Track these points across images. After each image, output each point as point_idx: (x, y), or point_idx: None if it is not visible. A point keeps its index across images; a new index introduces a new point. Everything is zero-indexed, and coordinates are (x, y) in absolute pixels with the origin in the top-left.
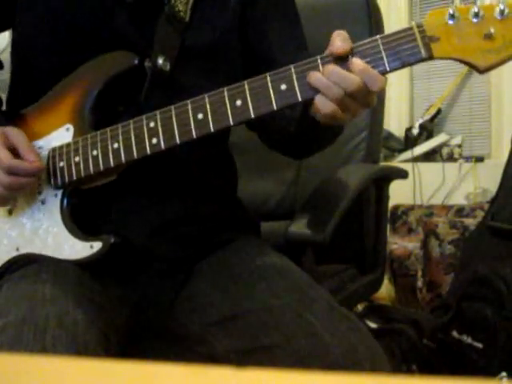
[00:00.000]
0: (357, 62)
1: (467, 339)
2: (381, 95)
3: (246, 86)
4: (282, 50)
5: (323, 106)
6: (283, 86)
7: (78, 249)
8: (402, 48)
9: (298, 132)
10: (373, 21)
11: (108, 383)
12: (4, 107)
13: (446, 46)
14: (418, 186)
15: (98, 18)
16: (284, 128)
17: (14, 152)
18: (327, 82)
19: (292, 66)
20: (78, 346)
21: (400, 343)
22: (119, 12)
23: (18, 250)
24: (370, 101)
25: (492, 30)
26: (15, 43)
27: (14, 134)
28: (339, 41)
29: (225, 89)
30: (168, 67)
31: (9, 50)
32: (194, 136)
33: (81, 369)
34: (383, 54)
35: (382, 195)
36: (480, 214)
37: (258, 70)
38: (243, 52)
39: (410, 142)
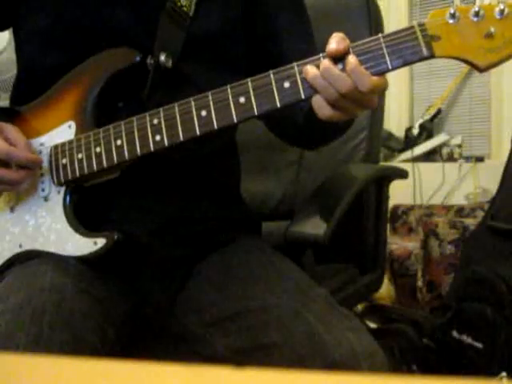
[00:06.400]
0: (349, 61)
1: (467, 339)
2: (381, 95)
3: (250, 84)
4: (292, 47)
5: (319, 108)
6: (287, 84)
7: (81, 245)
8: (404, 46)
9: (306, 124)
10: (373, 21)
11: (108, 383)
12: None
13: (447, 44)
14: (418, 186)
15: (100, 14)
16: (293, 119)
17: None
18: (323, 82)
19: (295, 64)
20: (75, 332)
21: (400, 343)
22: (121, 8)
23: (20, 246)
24: (366, 102)
25: (492, 29)
26: (18, 42)
27: (12, 129)
28: (334, 42)
29: (228, 86)
30: (170, 63)
31: (9, 50)
32: (198, 133)
33: (80, 368)
34: (385, 52)
35: (382, 195)
36: (480, 214)
37: (266, 65)
38: (250, 46)
39: (410, 141)
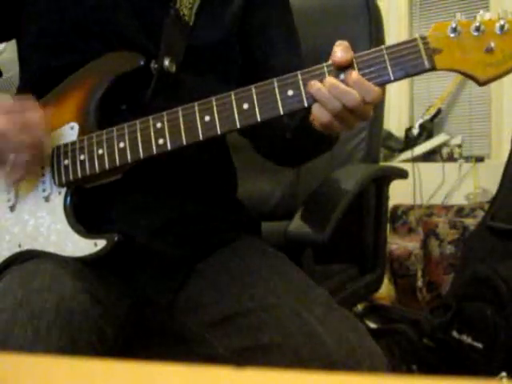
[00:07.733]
0: (353, 75)
1: (467, 339)
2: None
3: (254, 91)
4: (280, 59)
5: (320, 115)
6: (290, 92)
7: (81, 246)
8: (406, 59)
9: (295, 139)
10: (373, 21)
11: (107, 383)
12: None
13: (449, 58)
14: (418, 186)
15: (103, 18)
16: (279, 135)
17: None
18: (327, 94)
19: (299, 73)
20: (73, 332)
21: (400, 343)
22: (124, 13)
23: (20, 246)
24: (366, 114)
25: (492, 44)
26: (21, 45)
27: (9, 102)
28: (339, 51)
29: (232, 92)
30: (174, 68)
31: (9, 50)
32: (201, 138)
33: (80, 368)
34: (388, 63)
35: (382, 195)
36: (480, 214)
37: (256, 75)
38: (243, 56)
39: (410, 142)
